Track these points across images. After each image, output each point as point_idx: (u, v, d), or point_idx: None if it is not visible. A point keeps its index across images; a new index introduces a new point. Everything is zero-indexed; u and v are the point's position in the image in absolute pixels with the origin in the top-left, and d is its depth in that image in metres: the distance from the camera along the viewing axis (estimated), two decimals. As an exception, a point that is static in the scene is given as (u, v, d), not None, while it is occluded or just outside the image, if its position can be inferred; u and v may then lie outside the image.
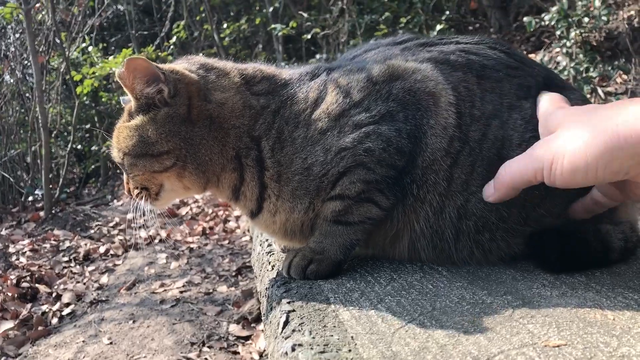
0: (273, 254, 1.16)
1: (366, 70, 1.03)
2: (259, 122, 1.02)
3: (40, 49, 5.54)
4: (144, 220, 1.12)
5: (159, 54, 6.37)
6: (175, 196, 1.13)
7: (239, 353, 2.57)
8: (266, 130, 1.02)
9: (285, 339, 0.71)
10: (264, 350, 2.48)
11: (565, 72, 3.77)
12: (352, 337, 0.69)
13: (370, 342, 0.67)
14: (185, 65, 1.08)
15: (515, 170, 0.88)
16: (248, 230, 3.75)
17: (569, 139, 0.80)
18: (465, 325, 0.72)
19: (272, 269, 1.07)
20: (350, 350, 0.65)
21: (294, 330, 0.72)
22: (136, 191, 1.08)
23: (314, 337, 0.68)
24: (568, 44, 3.89)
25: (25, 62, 6.19)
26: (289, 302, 0.82)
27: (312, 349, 0.65)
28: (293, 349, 0.66)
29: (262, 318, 0.96)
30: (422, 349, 0.65)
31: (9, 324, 3.06)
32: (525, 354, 0.63)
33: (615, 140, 0.74)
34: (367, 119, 0.97)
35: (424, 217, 0.99)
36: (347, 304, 0.81)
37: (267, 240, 1.26)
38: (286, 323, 0.76)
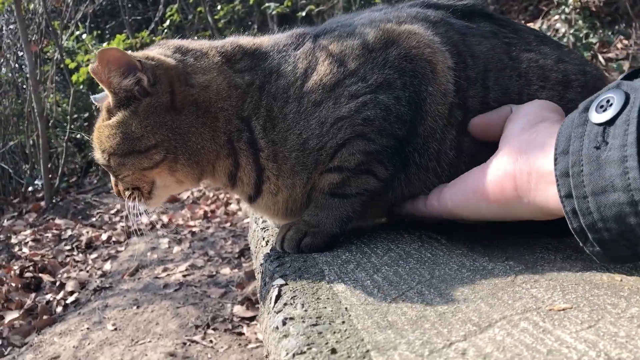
0: (267, 229, 1.13)
1: (360, 35, 0.97)
2: (247, 102, 0.96)
3: (33, 38, 5.48)
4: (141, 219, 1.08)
5: (153, 38, 6.29)
6: (169, 192, 1.06)
7: (243, 334, 2.57)
8: (255, 109, 0.96)
9: (277, 313, 0.68)
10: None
11: (565, 39, 3.71)
12: (346, 308, 0.65)
13: (365, 312, 0.64)
14: (160, 50, 1.01)
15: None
16: (249, 214, 3.74)
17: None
18: (465, 292, 0.69)
19: (267, 244, 1.03)
20: (344, 322, 0.61)
21: (285, 304, 0.69)
22: (127, 192, 1.02)
23: (306, 310, 0.65)
24: (567, 10, 3.81)
25: (20, 52, 6.14)
26: (281, 276, 0.79)
27: (304, 322, 0.62)
28: (284, 323, 0.63)
29: (258, 295, 0.93)
30: (419, 317, 0.62)
31: (14, 314, 3.07)
32: (529, 318, 0.59)
33: None
34: (364, 88, 0.92)
35: (429, 184, 0.96)
36: (342, 275, 0.77)
37: (262, 216, 1.23)
38: (278, 297, 0.72)
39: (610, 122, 0.61)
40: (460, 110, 0.95)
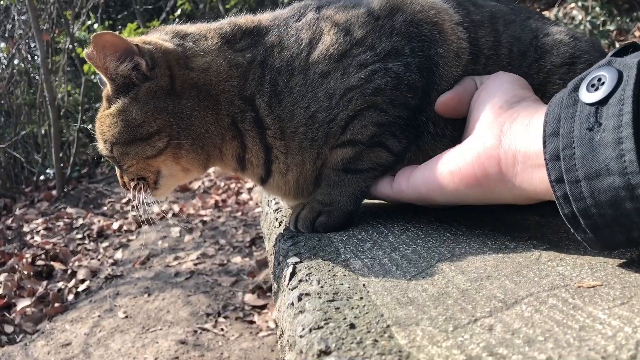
0: (280, 210, 1.11)
1: (365, 4, 0.95)
2: (249, 80, 0.93)
3: (45, 27, 5.47)
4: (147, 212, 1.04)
5: (165, 28, 6.27)
6: (176, 182, 1.04)
7: (255, 322, 2.55)
8: (258, 86, 0.93)
9: (292, 290, 0.65)
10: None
11: (582, 27, 3.64)
12: (363, 285, 0.63)
13: (384, 289, 0.61)
14: (158, 35, 0.99)
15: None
16: (261, 202, 3.73)
17: None
18: (488, 270, 0.66)
19: (280, 225, 1.01)
20: (362, 298, 0.59)
21: (300, 281, 0.66)
22: (132, 183, 0.99)
23: (322, 287, 0.63)
24: (584, -4, 3.75)
25: (32, 43, 6.15)
26: (296, 254, 0.76)
27: (320, 297, 0.59)
28: (300, 299, 0.60)
29: (271, 277, 0.91)
30: (441, 294, 0.59)
31: (26, 302, 3.07)
32: (557, 295, 0.56)
33: None
34: (372, 57, 0.89)
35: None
36: (359, 253, 0.75)
37: (274, 198, 1.21)
38: (293, 274, 0.70)
39: (603, 101, 0.58)
40: (473, 64, 0.93)
